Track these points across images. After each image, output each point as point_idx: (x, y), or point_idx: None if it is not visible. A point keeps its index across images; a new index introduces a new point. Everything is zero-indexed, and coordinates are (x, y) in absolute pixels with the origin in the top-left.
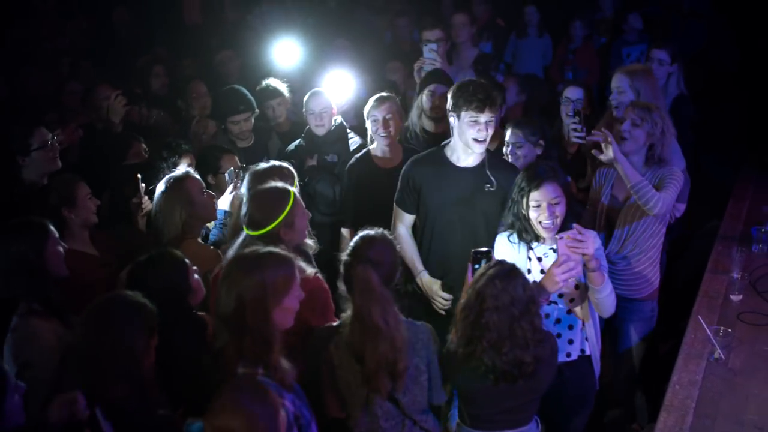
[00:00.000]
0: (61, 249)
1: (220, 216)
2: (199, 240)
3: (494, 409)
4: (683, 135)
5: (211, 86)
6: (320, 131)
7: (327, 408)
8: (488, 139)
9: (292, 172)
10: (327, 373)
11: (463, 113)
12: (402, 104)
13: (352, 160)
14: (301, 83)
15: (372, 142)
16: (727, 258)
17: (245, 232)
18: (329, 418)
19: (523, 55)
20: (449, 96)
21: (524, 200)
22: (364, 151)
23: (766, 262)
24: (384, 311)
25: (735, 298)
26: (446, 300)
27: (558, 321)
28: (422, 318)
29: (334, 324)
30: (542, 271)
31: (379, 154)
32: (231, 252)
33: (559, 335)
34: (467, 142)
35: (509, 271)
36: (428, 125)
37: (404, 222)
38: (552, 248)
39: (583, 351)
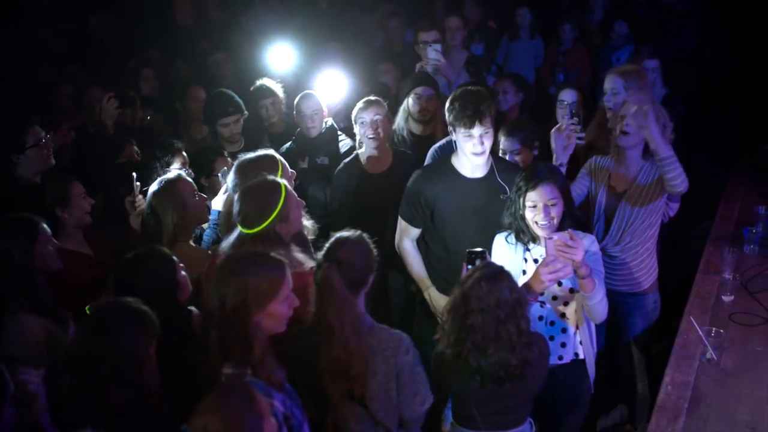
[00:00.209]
0: (52, 248)
1: (213, 217)
2: (192, 243)
3: (484, 410)
4: (674, 134)
5: (205, 88)
6: (313, 132)
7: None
8: (488, 150)
9: (278, 160)
10: (297, 372)
11: (457, 129)
12: (394, 106)
13: (341, 164)
14: (294, 86)
15: (360, 145)
16: (719, 259)
17: (240, 230)
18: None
19: (515, 57)
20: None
21: (521, 200)
22: (352, 155)
23: (758, 262)
24: (340, 312)
25: (727, 298)
26: None
27: (552, 323)
28: (431, 329)
29: (305, 324)
30: None
31: (367, 158)
32: (224, 246)
33: (552, 338)
34: (467, 156)
35: (496, 274)
36: (415, 128)
37: (411, 236)
38: None
39: (576, 355)
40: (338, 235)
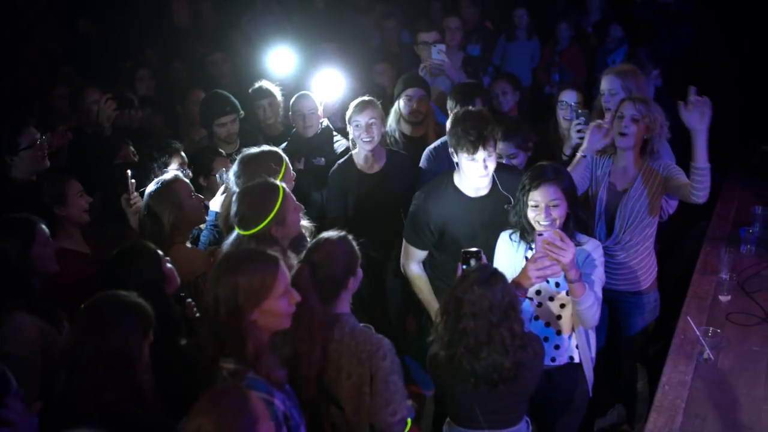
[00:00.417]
0: (50, 249)
1: (211, 218)
2: (188, 244)
3: (480, 410)
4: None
5: (203, 88)
6: (309, 132)
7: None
8: (491, 172)
9: (282, 157)
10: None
11: (459, 153)
12: (390, 106)
13: (335, 165)
14: (292, 88)
15: (354, 147)
16: (716, 259)
17: (236, 231)
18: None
19: (512, 58)
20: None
21: (525, 198)
22: (346, 156)
23: (755, 262)
24: (304, 310)
25: (724, 298)
26: None
27: (547, 324)
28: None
29: None
30: None
31: (361, 159)
32: (224, 246)
33: (546, 339)
34: (470, 178)
35: (489, 277)
36: (407, 129)
37: (417, 259)
38: None
39: (572, 358)
40: (320, 236)
